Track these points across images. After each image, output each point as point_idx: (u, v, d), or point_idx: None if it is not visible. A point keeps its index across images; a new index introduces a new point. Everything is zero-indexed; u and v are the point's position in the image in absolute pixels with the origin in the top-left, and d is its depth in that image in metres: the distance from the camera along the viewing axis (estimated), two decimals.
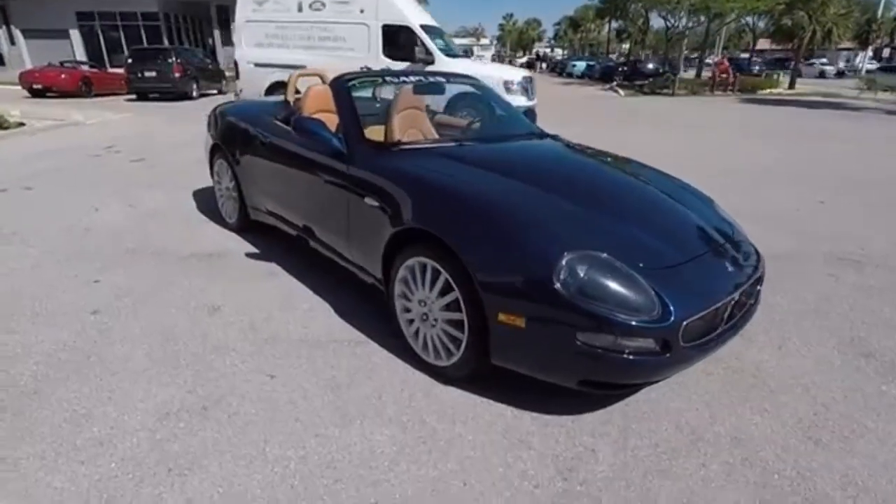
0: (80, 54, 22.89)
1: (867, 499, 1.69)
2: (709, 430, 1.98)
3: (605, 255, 1.85)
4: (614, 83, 23.28)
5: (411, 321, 2.31)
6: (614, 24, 43.70)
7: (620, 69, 26.26)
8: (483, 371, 2.08)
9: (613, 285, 1.78)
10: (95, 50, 23.59)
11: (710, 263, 2.05)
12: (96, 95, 15.02)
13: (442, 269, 2.04)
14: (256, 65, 8.68)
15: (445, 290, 2.07)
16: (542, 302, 1.79)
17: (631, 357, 1.76)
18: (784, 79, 24.37)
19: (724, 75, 23.24)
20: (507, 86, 7.64)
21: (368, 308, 2.78)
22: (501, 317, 1.86)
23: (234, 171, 3.65)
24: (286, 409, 2.02)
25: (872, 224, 4.56)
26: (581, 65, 31.78)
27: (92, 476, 1.68)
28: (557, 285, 1.76)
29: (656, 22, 32.36)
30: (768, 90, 23.00)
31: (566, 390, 1.95)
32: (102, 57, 23.01)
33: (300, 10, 8.53)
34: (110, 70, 17.83)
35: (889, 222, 4.63)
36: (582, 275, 1.78)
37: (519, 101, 7.39)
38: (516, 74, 7.94)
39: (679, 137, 9.45)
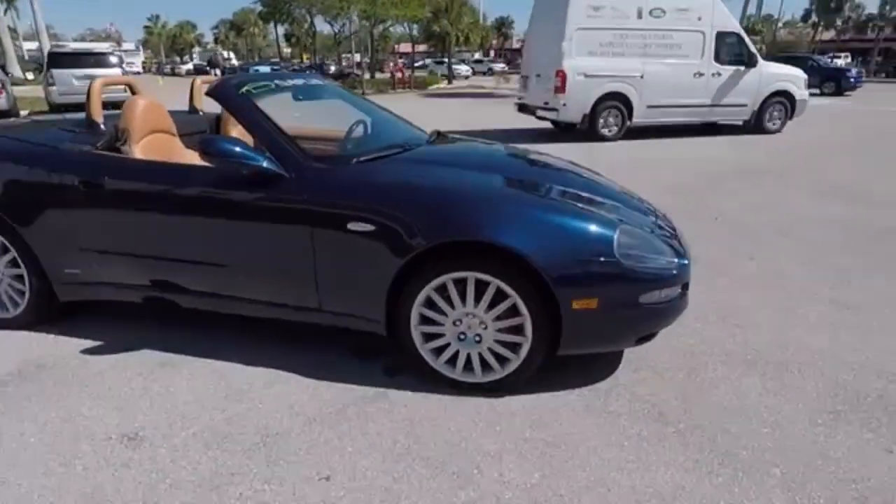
0: None
1: (827, 365, 2.43)
2: (719, 351, 2.45)
3: (632, 226, 2.07)
4: None
5: (441, 348, 2.07)
6: (281, 29, 43.71)
7: (308, 73, 26.61)
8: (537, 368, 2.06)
9: (651, 248, 2.02)
10: None
11: (662, 224, 2.45)
12: None
13: (493, 278, 1.91)
14: (587, 76, 8.22)
15: (495, 299, 1.95)
16: (610, 278, 1.90)
17: (669, 304, 2.05)
18: (443, 77, 29.15)
19: (399, 74, 26.32)
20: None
21: (328, 356, 2.35)
22: (575, 305, 1.89)
23: (14, 241, 2.40)
24: (393, 499, 1.59)
25: None
26: (265, 69, 30.81)
27: None
28: (619, 258, 1.90)
29: (324, 26, 33.83)
30: (435, 86, 27.11)
31: (569, 363, 2.14)
32: None
33: (640, 16, 8.29)
34: None
35: None
36: (630, 245, 1.95)
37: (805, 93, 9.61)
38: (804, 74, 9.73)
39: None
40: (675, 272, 2.02)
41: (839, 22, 42.22)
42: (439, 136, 2.93)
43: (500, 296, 1.94)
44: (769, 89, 9.23)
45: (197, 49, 66.82)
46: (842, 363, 2.30)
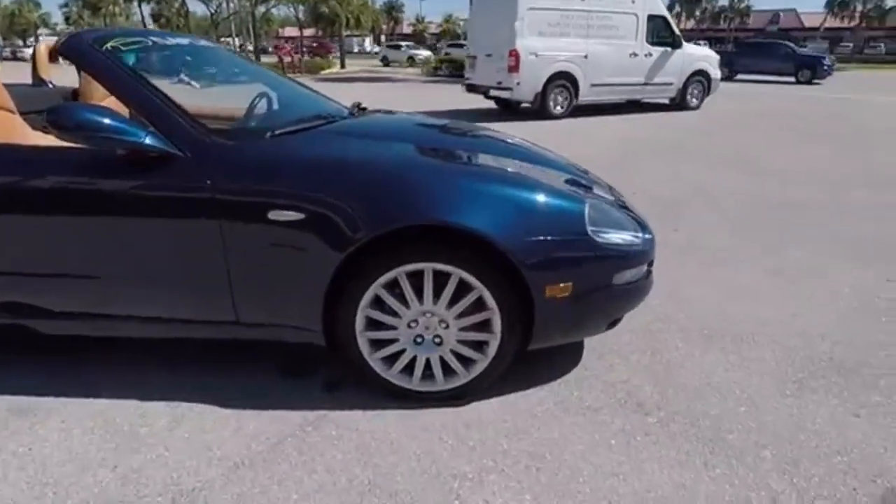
0: None
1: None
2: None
3: (597, 199, 1.87)
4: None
5: (395, 356, 1.75)
6: (147, 8, 39.13)
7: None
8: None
9: (616, 223, 1.83)
10: None
11: (616, 197, 2.28)
12: None
13: (454, 268, 1.61)
14: (538, 55, 8.43)
15: (457, 293, 1.65)
16: (583, 258, 1.69)
17: (638, 284, 1.89)
18: (336, 60, 27.92)
19: (288, 59, 24.75)
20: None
21: (251, 377, 1.93)
22: (549, 291, 1.65)
23: None
24: None
25: None
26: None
27: None
28: (591, 235, 1.69)
29: (198, 6, 30.81)
30: (327, 70, 25.89)
31: (532, 355, 1.83)
32: None
33: None
34: None
35: None
36: (598, 220, 1.75)
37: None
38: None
39: None
40: (642, 248, 1.86)
41: (698, 12, 46.92)
42: (361, 110, 2.55)
43: (462, 289, 1.65)
44: (691, 69, 10.05)
45: (44, 31, 57.93)
46: (788, 330, 2.32)
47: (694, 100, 10.37)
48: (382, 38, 66.02)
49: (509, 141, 2.45)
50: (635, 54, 9.32)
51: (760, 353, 2.16)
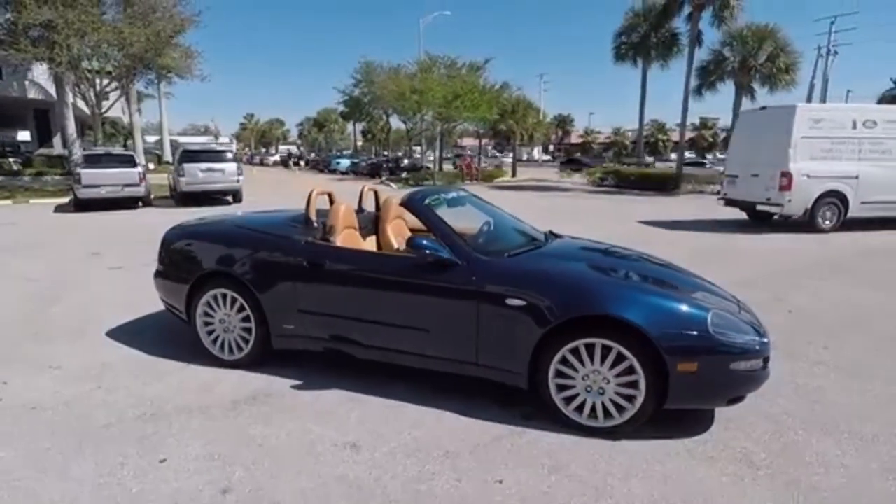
0: None
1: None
2: None
3: (719, 309, 2.72)
4: (384, 177, 25.98)
5: (572, 398, 2.73)
6: (359, 125, 48.71)
7: (385, 165, 29.38)
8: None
9: (737, 328, 2.65)
10: None
11: (742, 308, 3.06)
12: None
13: (615, 344, 2.59)
14: (809, 176, 9.58)
15: (616, 360, 2.62)
16: (706, 348, 2.54)
17: (754, 373, 2.63)
18: (507, 170, 31.17)
19: (467, 168, 28.43)
20: None
21: (476, 403, 3.01)
22: (680, 367, 2.52)
23: (253, 302, 3.35)
24: (547, 500, 2.21)
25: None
26: (345, 161, 34.25)
27: None
28: (713, 334, 2.54)
29: (397, 122, 37.46)
30: (500, 178, 28.95)
31: (669, 423, 2.73)
32: None
33: (854, 126, 9.76)
34: None
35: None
36: (720, 324, 2.60)
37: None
38: None
39: None
40: (757, 347, 2.63)
41: None
42: (553, 235, 3.76)
43: (619, 358, 2.61)
44: None
45: (282, 142, 75.03)
46: None
47: None
48: (551, 147, 70.97)
49: (656, 261, 3.41)
50: None
51: (878, 447, 2.62)
